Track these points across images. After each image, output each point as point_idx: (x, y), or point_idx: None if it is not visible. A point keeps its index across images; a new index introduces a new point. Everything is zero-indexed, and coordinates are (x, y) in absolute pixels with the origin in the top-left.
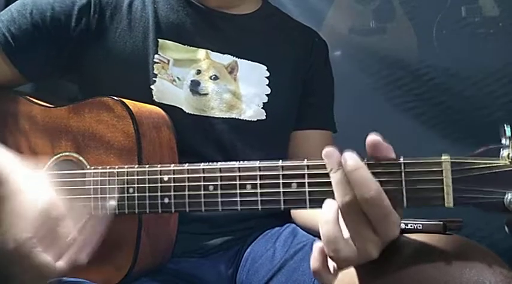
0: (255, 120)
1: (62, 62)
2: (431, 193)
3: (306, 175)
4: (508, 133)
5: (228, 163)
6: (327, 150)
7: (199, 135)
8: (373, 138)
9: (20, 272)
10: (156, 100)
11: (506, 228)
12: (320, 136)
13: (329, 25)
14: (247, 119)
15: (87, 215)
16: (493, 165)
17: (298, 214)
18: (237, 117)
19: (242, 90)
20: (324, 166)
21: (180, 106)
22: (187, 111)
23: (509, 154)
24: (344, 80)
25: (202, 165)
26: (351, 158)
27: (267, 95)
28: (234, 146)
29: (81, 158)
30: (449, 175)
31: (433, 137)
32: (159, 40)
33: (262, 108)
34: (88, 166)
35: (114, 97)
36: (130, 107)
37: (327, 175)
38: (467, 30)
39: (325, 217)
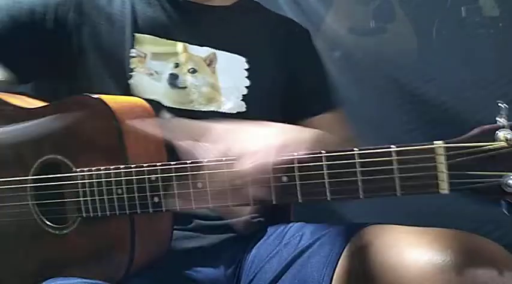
0: (235, 112)
1: (41, 57)
2: (424, 180)
3: (296, 169)
4: (505, 112)
5: (216, 159)
6: None
7: None
8: None
9: None
10: (134, 94)
11: (505, 210)
12: (332, 117)
13: (329, 25)
14: (226, 112)
15: None
16: (489, 147)
17: None
18: (216, 110)
19: (221, 82)
20: (314, 159)
21: (158, 100)
22: (166, 105)
23: (505, 135)
24: (343, 80)
25: (189, 163)
26: None
27: (246, 87)
28: None
29: (66, 161)
30: (442, 161)
31: (433, 137)
32: (136, 34)
33: (241, 100)
34: (74, 169)
35: (93, 95)
36: (110, 104)
37: (317, 167)
38: (467, 30)
39: None
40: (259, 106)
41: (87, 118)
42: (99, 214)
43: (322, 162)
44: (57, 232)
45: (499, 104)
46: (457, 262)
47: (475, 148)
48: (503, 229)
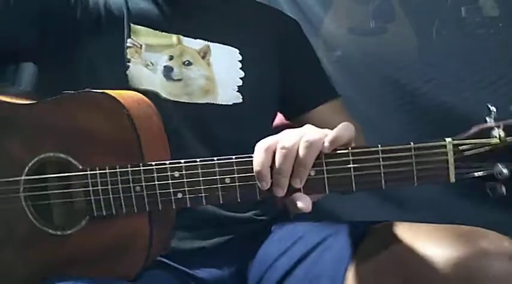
0: (231, 103)
1: (33, 44)
2: (437, 171)
3: (324, 163)
4: (494, 115)
5: (242, 155)
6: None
7: (175, 121)
8: None
9: None
10: (131, 85)
11: (489, 192)
12: (329, 108)
13: (329, 25)
14: (223, 103)
15: None
16: (487, 143)
17: None
18: (212, 102)
19: (216, 74)
20: (340, 155)
21: (156, 91)
22: (163, 96)
23: (499, 133)
24: (343, 80)
25: (216, 160)
26: None
27: (241, 78)
28: (211, 131)
29: (70, 159)
30: (451, 155)
31: (433, 137)
32: (131, 25)
33: (237, 91)
34: (80, 167)
35: (101, 91)
36: (121, 100)
37: (344, 162)
38: (467, 30)
39: None
40: (256, 97)
41: (96, 115)
42: (114, 212)
43: (349, 157)
44: (58, 232)
45: (488, 106)
46: (469, 256)
47: (477, 145)
48: (501, 229)
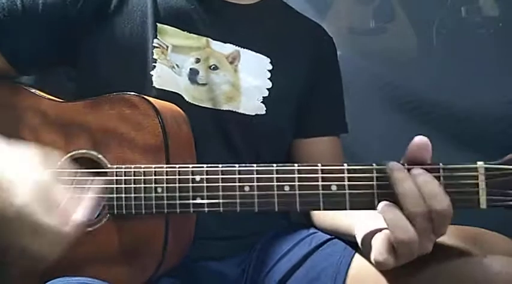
0: (253, 114)
1: (56, 49)
2: (467, 196)
3: (346, 178)
4: None
5: (264, 165)
6: (393, 164)
7: (197, 125)
8: (420, 139)
9: (27, 244)
10: (156, 86)
11: None
12: (329, 142)
13: (328, 25)
14: (245, 113)
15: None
16: None
17: (317, 216)
18: (234, 110)
19: (242, 81)
20: (362, 171)
21: (180, 93)
22: (187, 100)
23: None
24: (343, 80)
25: (237, 166)
26: (423, 173)
27: (267, 89)
28: (231, 138)
29: (100, 156)
30: (483, 180)
31: (434, 136)
32: (158, 24)
33: (262, 102)
34: (109, 165)
35: (137, 94)
36: (156, 105)
37: (365, 178)
38: (467, 30)
39: (395, 222)
40: (279, 110)
41: (130, 116)
42: (134, 212)
43: (372, 173)
44: None
45: None
46: (471, 256)
47: (510, 171)
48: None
